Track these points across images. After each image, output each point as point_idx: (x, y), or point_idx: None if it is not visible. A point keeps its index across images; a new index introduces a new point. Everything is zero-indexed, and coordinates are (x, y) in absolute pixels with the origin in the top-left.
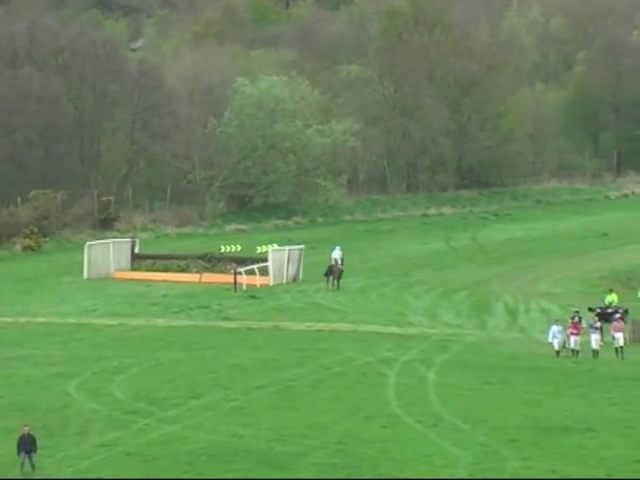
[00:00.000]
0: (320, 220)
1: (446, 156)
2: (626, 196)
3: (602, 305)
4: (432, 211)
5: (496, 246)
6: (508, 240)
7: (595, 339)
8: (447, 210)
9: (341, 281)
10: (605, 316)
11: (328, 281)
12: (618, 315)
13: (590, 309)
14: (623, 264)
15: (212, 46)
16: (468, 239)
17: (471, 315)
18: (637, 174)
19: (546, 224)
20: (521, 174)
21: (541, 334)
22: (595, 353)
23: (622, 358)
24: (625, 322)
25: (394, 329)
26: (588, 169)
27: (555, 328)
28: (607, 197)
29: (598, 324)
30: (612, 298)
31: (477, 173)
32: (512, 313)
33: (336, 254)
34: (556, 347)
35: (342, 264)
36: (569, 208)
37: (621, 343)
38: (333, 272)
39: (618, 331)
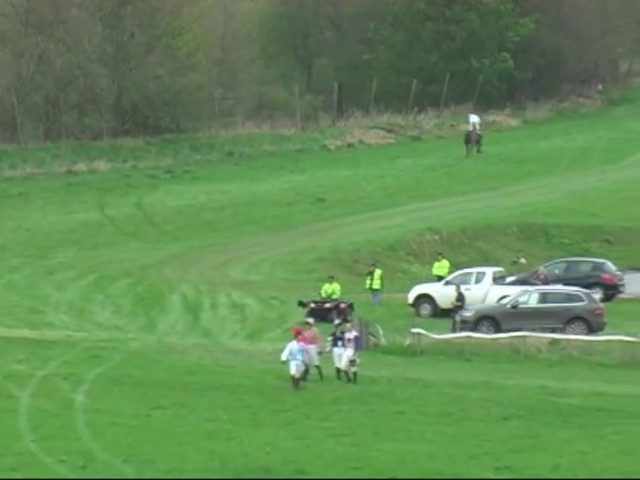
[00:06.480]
0: None
1: (100, 90)
2: (351, 146)
3: (318, 299)
4: (81, 167)
5: (170, 216)
6: (187, 207)
7: (347, 355)
8: (102, 165)
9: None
10: (322, 312)
11: (467, 149)
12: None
13: (301, 303)
14: (346, 241)
15: None
16: (131, 206)
17: (136, 312)
18: (365, 115)
19: (240, 185)
20: (205, 116)
21: (232, 338)
22: (347, 375)
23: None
24: (350, 320)
25: (27, 332)
26: (298, 108)
27: (295, 345)
28: (324, 147)
29: (353, 334)
30: (332, 288)
31: (143, 114)
32: (193, 310)
33: (474, 118)
34: (293, 371)
35: (480, 129)
36: (272, 163)
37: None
38: (471, 138)
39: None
